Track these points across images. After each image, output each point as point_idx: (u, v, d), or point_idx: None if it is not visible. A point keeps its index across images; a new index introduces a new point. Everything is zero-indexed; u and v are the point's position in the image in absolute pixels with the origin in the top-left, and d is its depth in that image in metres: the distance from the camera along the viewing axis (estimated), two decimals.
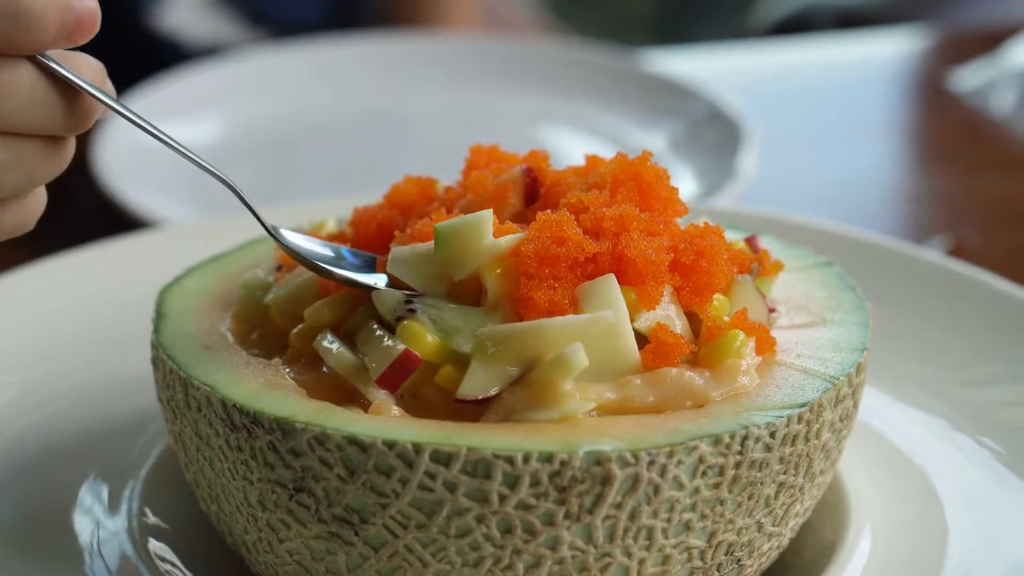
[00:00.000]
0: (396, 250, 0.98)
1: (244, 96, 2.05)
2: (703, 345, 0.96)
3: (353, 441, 0.88)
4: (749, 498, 0.93)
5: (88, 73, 0.90)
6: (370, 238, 1.07)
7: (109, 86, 0.93)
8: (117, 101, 0.92)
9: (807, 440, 0.95)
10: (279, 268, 1.07)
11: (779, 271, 1.06)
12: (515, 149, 1.11)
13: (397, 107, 2.10)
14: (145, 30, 2.26)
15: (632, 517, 0.89)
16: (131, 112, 0.93)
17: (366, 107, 2.09)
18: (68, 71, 0.88)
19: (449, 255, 0.95)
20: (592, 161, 1.06)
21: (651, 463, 0.88)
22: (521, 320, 0.93)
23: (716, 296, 0.99)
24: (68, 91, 0.89)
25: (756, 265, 1.04)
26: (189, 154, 0.97)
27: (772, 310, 1.04)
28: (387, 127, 2.04)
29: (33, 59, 0.87)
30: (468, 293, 0.96)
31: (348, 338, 0.98)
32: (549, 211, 0.97)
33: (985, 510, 1.07)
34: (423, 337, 0.93)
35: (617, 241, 0.96)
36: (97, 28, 0.88)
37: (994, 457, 1.12)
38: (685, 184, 1.75)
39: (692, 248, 0.98)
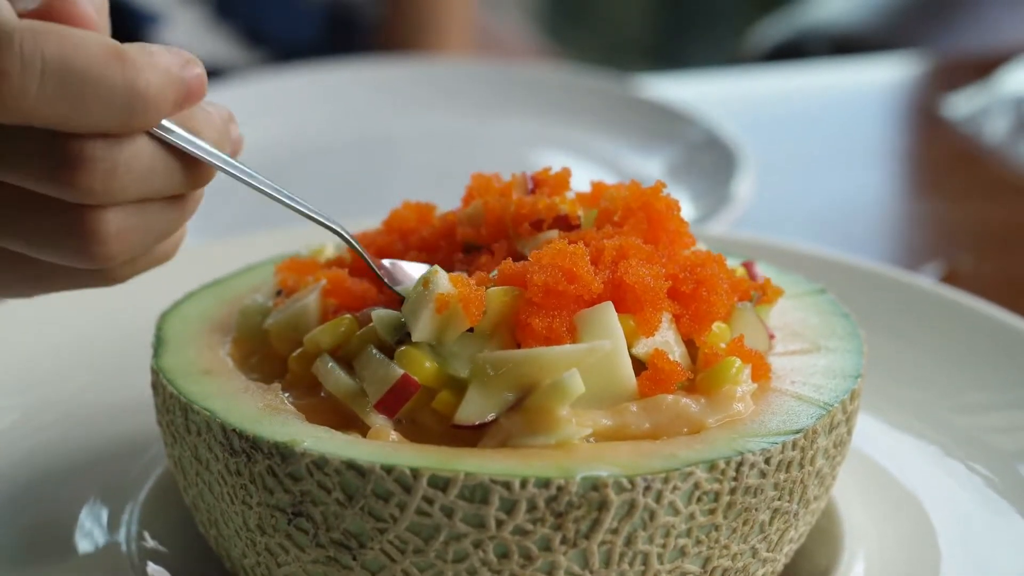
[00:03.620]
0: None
1: (241, 119, 2.05)
2: (700, 372, 0.97)
3: (352, 466, 0.89)
4: (744, 524, 0.94)
5: (208, 130, 0.91)
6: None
7: (234, 131, 0.94)
8: (232, 163, 0.92)
9: (801, 466, 0.95)
10: (278, 293, 1.07)
11: (779, 298, 1.06)
12: (512, 173, 1.11)
13: (392, 131, 2.10)
14: None
15: (628, 542, 0.90)
16: (247, 170, 0.94)
17: (362, 131, 2.09)
18: (184, 138, 0.89)
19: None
20: (597, 188, 1.07)
21: (647, 489, 0.89)
22: (518, 347, 0.94)
23: (716, 324, 1.00)
24: (186, 154, 0.90)
25: (756, 293, 1.05)
26: (306, 210, 0.98)
27: (772, 336, 1.05)
28: (382, 151, 2.05)
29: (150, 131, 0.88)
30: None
31: (346, 363, 0.98)
32: (563, 240, 0.98)
33: (977, 536, 1.08)
34: (421, 362, 0.94)
35: (616, 268, 0.97)
36: (206, 91, 0.90)
37: (985, 483, 1.13)
38: (681, 207, 1.76)
39: (692, 277, 0.99)
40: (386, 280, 1.03)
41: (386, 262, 1.05)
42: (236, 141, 0.95)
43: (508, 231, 1.05)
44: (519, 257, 1.02)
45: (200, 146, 0.90)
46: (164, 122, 0.88)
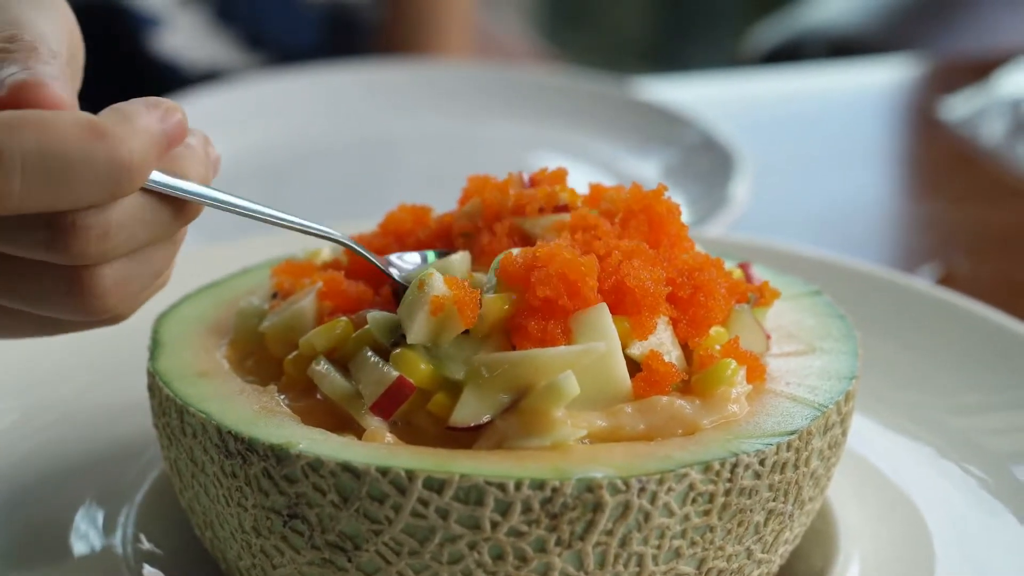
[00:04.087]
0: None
1: (238, 123, 2.05)
2: (695, 373, 0.98)
3: (347, 468, 0.89)
4: (739, 525, 0.94)
5: (194, 167, 0.90)
6: (365, 266, 1.08)
7: (213, 154, 0.93)
8: (221, 197, 0.93)
9: (796, 468, 0.96)
10: (274, 296, 1.08)
11: (775, 299, 1.07)
12: (509, 172, 1.11)
13: (391, 134, 2.11)
14: (144, 54, 2.27)
15: (623, 544, 0.90)
16: (235, 201, 0.94)
17: (360, 134, 2.09)
18: (172, 185, 0.89)
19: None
20: (595, 190, 1.07)
21: (642, 490, 0.89)
22: (514, 348, 0.94)
23: (714, 328, 1.00)
24: (173, 196, 0.90)
25: (753, 295, 1.05)
26: (302, 225, 0.99)
27: (768, 338, 1.05)
28: (381, 154, 2.05)
29: None
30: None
31: (342, 365, 0.98)
32: (570, 244, 0.98)
33: (972, 537, 1.08)
34: (417, 364, 0.94)
35: (615, 270, 0.97)
36: (186, 133, 0.89)
37: (980, 485, 1.13)
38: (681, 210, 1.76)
39: (690, 282, 0.99)
40: (395, 275, 1.03)
41: (390, 258, 1.05)
42: (215, 163, 0.94)
43: (508, 212, 1.05)
44: (523, 236, 1.02)
45: (187, 187, 0.90)
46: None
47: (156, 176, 0.88)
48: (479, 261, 1.04)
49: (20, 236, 0.85)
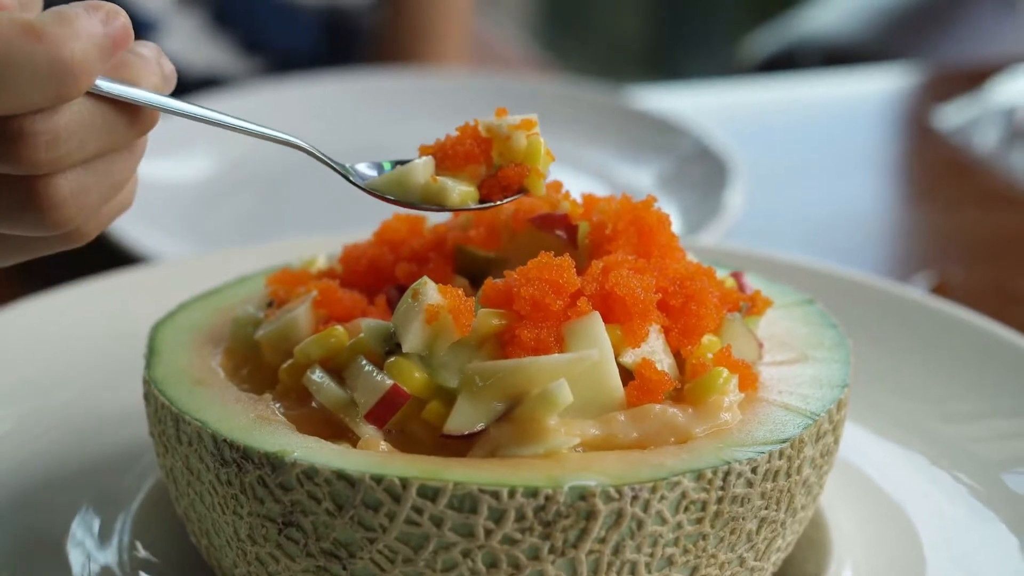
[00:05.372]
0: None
1: (235, 132, 2.05)
2: (687, 382, 0.98)
3: (341, 476, 0.89)
4: (731, 533, 0.94)
5: (146, 76, 0.90)
6: (360, 275, 1.08)
7: (167, 66, 0.92)
8: (173, 103, 0.92)
9: (788, 476, 0.96)
10: (270, 304, 1.08)
11: (768, 308, 1.07)
12: None
13: (387, 143, 2.10)
14: None
15: (616, 551, 0.91)
16: (188, 107, 0.93)
17: (356, 142, 2.09)
18: (122, 91, 0.88)
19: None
20: (588, 200, 1.08)
21: (634, 498, 0.90)
22: (507, 357, 0.95)
23: (706, 336, 1.00)
24: (126, 104, 0.89)
25: (746, 304, 1.05)
26: (256, 128, 0.98)
27: (761, 346, 1.06)
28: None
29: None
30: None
31: (337, 374, 0.99)
32: (551, 253, 0.98)
33: (962, 544, 1.08)
34: (411, 373, 0.95)
35: (605, 278, 0.97)
36: (131, 37, 0.88)
37: (970, 492, 1.14)
38: (672, 221, 1.77)
39: (682, 291, 0.99)
40: (357, 182, 1.02)
41: (359, 166, 1.04)
42: (169, 76, 0.93)
43: (481, 159, 1.04)
44: (486, 140, 1.02)
45: (138, 94, 0.89)
46: (98, 80, 0.87)
47: (106, 83, 0.87)
48: (442, 165, 1.03)
49: None
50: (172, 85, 0.93)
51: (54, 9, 0.85)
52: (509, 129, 1.03)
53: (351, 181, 1.02)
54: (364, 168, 1.03)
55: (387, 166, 1.04)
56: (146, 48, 0.91)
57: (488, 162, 1.03)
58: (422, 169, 1.01)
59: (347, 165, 1.02)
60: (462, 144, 1.03)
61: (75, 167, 0.88)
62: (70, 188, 0.88)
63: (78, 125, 0.86)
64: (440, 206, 1.01)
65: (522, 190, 1.03)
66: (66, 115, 0.86)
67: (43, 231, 0.89)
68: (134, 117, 0.90)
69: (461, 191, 1.01)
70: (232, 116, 0.96)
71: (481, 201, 1.03)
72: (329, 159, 1.01)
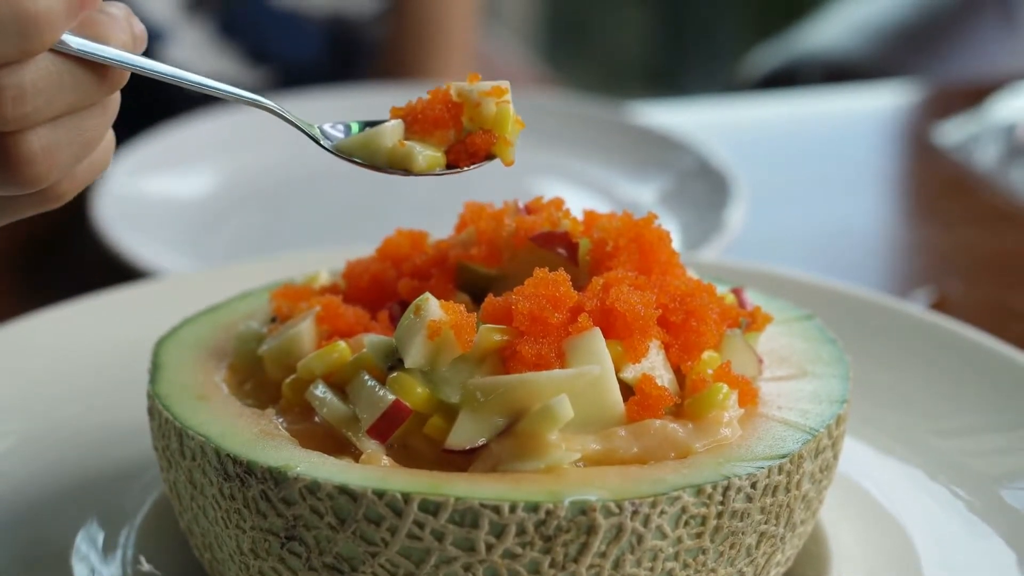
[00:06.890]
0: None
1: (237, 147, 2.06)
2: (687, 397, 0.99)
3: (344, 490, 0.90)
4: (731, 547, 0.95)
5: (116, 34, 0.90)
6: (363, 290, 1.09)
7: (137, 26, 0.92)
8: (141, 61, 0.91)
9: (788, 491, 0.97)
10: (273, 320, 1.09)
11: (768, 324, 1.08)
12: (505, 200, 1.13)
13: None
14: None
15: (616, 566, 0.91)
16: (157, 67, 0.93)
17: None
18: (89, 48, 0.88)
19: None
20: (590, 217, 1.09)
21: (635, 513, 0.90)
22: (509, 372, 0.95)
23: (707, 352, 1.01)
24: (95, 62, 0.89)
25: (745, 319, 1.06)
26: (229, 90, 0.97)
27: (761, 362, 1.06)
28: (379, 179, 2.05)
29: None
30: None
31: (339, 389, 0.99)
32: (546, 269, 0.99)
33: (960, 559, 1.09)
34: (413, 388, 0.95)
35: (606, 294, 0.98)
36: None
37: (967, 507, 1.14)
38: (673, 237, 1.77)
39: (682, 308, 1.00)
40: (326, 145, 1.01)
41: (332, 127, 1.02)
42: (139, 36, 0.92)
43: (450, 124, 1.03)
44: (457, 105, 1.01)
45: (107, 52, 0.89)
46: (66, 36, 0.87)
47: (74, 41, 0.87)
48: (412, 128, 1.02)
49: None
50: (143, 45, 0.93)
51: None
52: (480, 95, 1.02)
53: (319, 143, 1.01)
54: (331, 129, 1.02)
55: (355, 127, 1.02)
56: (116, 8, 0.91)
57: (458, 127, 1.01)
58: (390, 132, 1.00)
59: (315, 126, 1.01)
60: (432, 108, 1.01)
61: (45, 124, 0.88)
62: (40, 144, 0.88)
63: (45, 82, 0.86)
64: (406, 170, 1.01)
65: (489, 156, 1.02)
66: (32, 70, 0.86)
67: (15, 189, 0.89)
68: (103, 75, 0.90)
69: (427, 156, 1.00)
70: (198, 76, 0.96)
71: (448, 167, 1.02)
72: (296, 119, 1.00)
